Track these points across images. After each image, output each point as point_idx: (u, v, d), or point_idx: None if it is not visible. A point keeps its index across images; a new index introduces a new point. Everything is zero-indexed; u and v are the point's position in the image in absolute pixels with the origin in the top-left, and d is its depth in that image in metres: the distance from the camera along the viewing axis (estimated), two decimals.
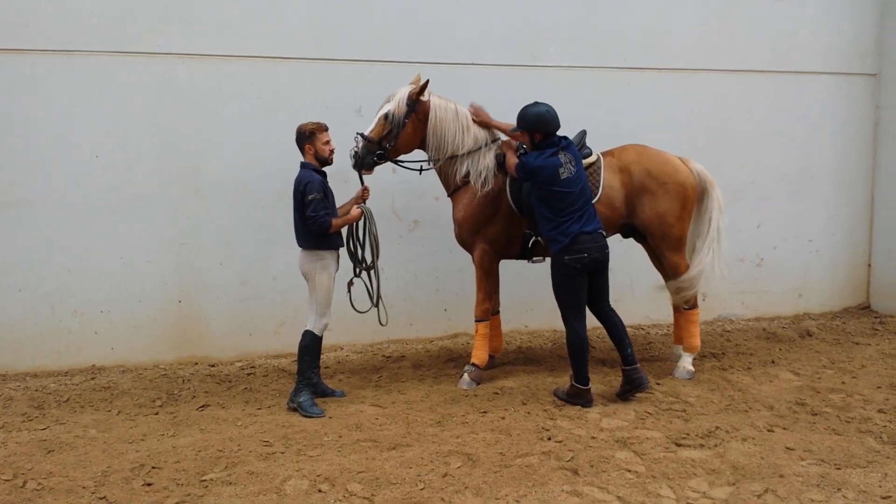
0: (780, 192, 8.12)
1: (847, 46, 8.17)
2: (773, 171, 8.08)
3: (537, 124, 5.36)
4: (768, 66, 7.97)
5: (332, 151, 5.58)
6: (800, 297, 8.29)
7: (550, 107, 5.40)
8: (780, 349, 6.91)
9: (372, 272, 5.84)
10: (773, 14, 7.92)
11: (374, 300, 5.84)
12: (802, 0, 7.99)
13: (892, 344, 6.93)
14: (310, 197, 5.33)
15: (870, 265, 8.45)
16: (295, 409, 5.42)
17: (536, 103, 5.44)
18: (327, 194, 5.48)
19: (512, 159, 5.63)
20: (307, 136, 5.50)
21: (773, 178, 8.09)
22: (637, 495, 4.02)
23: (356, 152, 5.72)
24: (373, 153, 5.77)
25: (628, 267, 7.56)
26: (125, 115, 6.57)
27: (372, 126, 5.77)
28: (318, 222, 5.33)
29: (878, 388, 5.72)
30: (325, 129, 5.56)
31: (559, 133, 5.45)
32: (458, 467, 4.38)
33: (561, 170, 5.26)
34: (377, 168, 5.94)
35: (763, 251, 8.13)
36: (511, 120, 5.65)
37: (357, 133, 5.75)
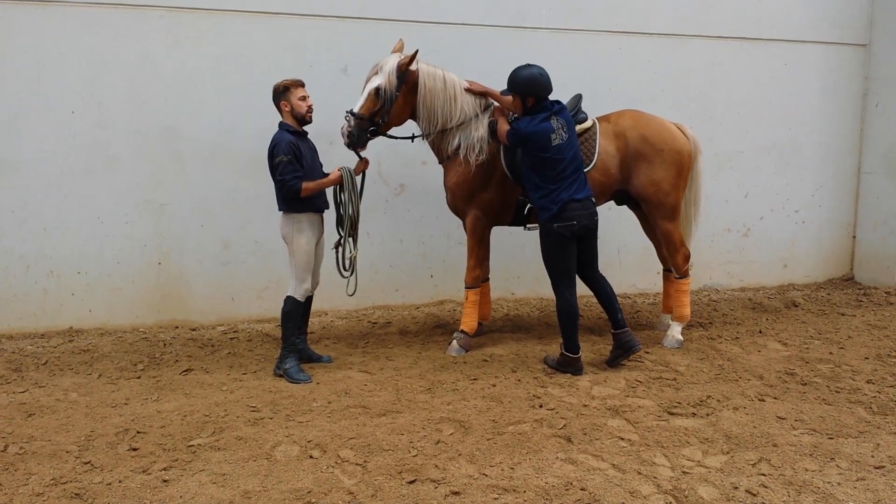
0: (767, 162, 8.08)
1: (837, 16, 8.08)
2: (762, 141, 8.03)
3: (529, 87, 5.21)
4: (758, 33, 7.86)
5: (309, 108, 5.35)
6: (785, 267, 8.30)
7: (543, 69, 5.25)
8: (767, 319, 6.91)
9: (351, 240, 5.58)
10: None
11: (350, 270, 5.58)
12: None
13: (877, 315, 6.95)
14: (276, 160, 5.15)
15: (854, 237, 8.46)
16: (281, 376, 5.32)
17: (528, 65, 5.28)
18: (298, 156, 5.22)
19: (503, 126, 5.49)
20: (281, 92, 5.29)
21: (762, 147, 8.04)
22: (632, 463, 3.98)
23: (350, 132, 5.50)
24: (365, 130, 5.56)
25: (616, 235, 7.51)
26: (100, 71, 6.32)
27: (361, 102, 5.52)
28: (286, 186, 5.15)
29: (866, 358, 5.73)
30: (301, 84, 5.35)
31: (551, 97, 5.32)
32: (451, 434, 4.32)
33: (553, 136, 5.14)
34: None
35: (750, 221, 8.10)
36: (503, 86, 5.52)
37: (347, 112, 5.52)
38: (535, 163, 5.20)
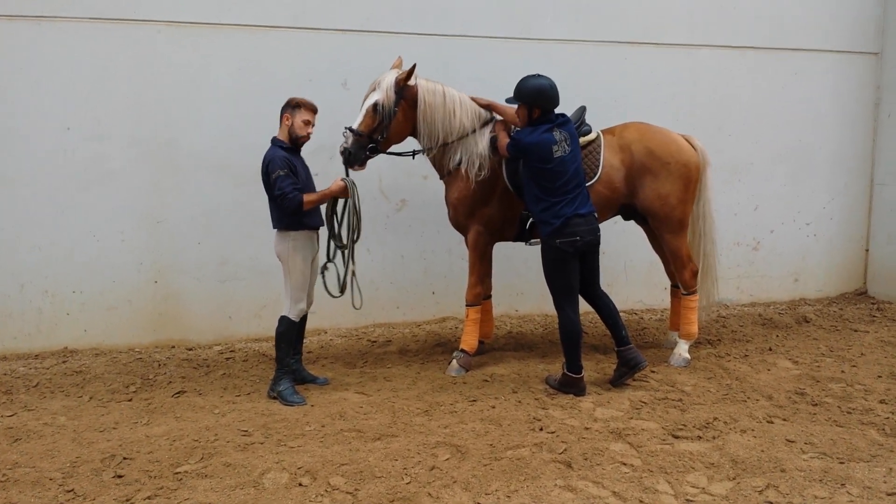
0: (778, 174, 7.92)
1: (848, 24, 7.93)
2: (772, 152, 7.88)
3: (537, 98, 5.08)
4: (767, 42, 7.73)
5: (308, 135, 5.25)
6: (796, 281, 8.11)
7: (552, 81, 5.11)
8: (778, 336, 6.73)
9: (346, 252, 5.43)
10: None
11: (340, 285, 5.45)
12: None
13: (890, 331, 6.76)
14: (273, 175, 5.02)
15: (867, 250, 8.28)
16: (276, 398, 5.20)
17: (537, 75, 5.14)
18: (293, 170, 5.11)
19: (504, 139, 5.37)
20: (291, 106, 5.18)
21: (772, 158, 7.88)
22: (633, 490, 3.82)
23: (346, 149, 5.39)
24: (364, 147, 5.44)
25: (622, 250, 7.37)
26: (99, 86, 6.26)
27: (360, 119, 5.43)
28: (287, 199, 5.01)
29: (879, 377, 5.55)
30: (314, 110, 5.24)
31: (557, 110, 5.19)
32: (447, 460, 4.16)
33: (554, 147, 5.00)
34: None
35: (760, 234, 7.94)
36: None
37: (345, 128, 5.43)
38: (536, 174, 5.06)
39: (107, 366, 5.97)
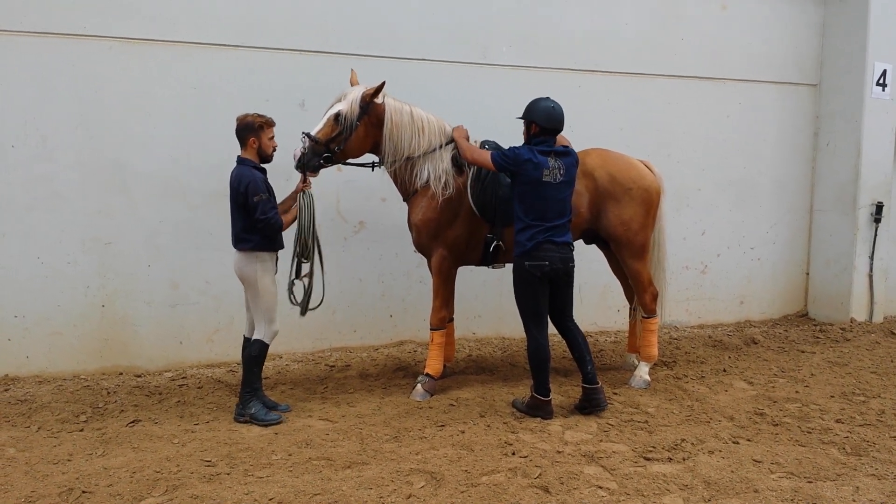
0: (724, 200, 8.14)
1: (789, 56, 8.25)
2: (719, 179, 8.10)
3: (532, 113, 5.18)
4: (713, 73, 7.97)
5: (274, 149, 5.21)
6: (741, 304, 8.32)
7: (557, 105, 5.21)
8: (730, 357, 6.87)
9: (313, 261, 5.39)
10: (720, 22, 7.93)
11: (306, 299, 5.37)
12: (747, 10, 8.03)
13: (835, 352, 6.98)
14: (255, 198, 4.94)
15: (808, 274, 8.56)
16: (247, 422, 5.04)
17: (545, 98, 5.25)
18: (271, 192, 5.11)
19: (470, 146, 5.40)
20: (255, 129, 5.08)
21: (718, 185, 8.10)
22: None
23: (302, 153, 5.31)
24: (319, 155, 5.37)
25: (575, 273, 7.38)
26: (45, 104, 6.01)
27: (320, 126, 5.38)
28: (270, 223, 4.98)
29: (832, 397, 5.71)
30: (273, 124, 5.18)
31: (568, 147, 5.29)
32: (422, 487, 4.08)
33: (545, 171, 5.02)
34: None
35: (707, 258, 8.12)
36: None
37: (303, 132, 5.35)
38: (520, 193, 5.09)
39: (53, 394, 5.67)
